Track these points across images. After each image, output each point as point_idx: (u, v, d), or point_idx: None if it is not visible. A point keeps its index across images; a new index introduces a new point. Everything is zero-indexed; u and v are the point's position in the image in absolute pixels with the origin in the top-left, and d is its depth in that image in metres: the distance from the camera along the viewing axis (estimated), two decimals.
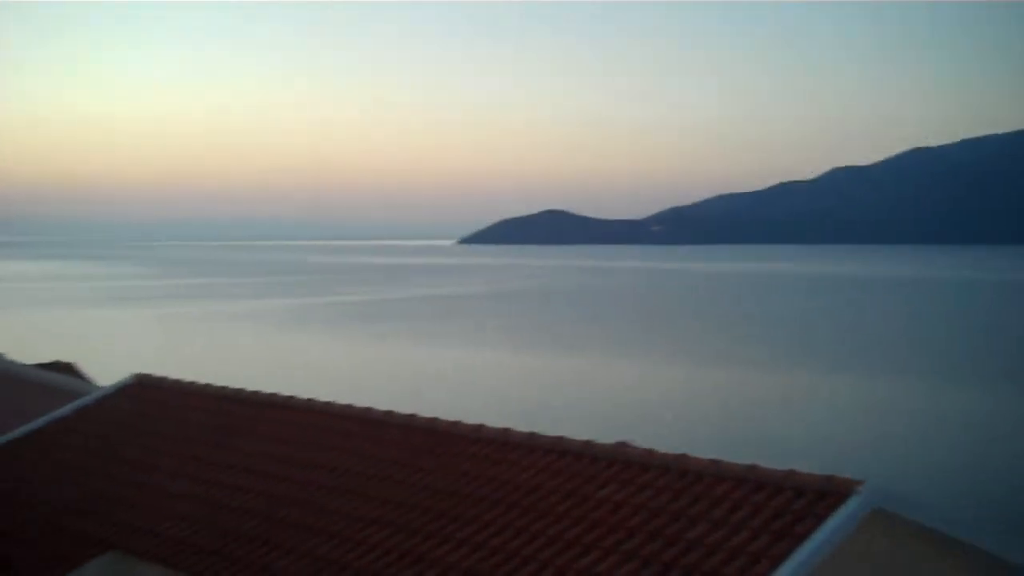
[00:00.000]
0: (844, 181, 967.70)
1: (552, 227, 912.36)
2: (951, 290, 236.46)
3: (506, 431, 15.00)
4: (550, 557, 11.86)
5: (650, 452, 13.44)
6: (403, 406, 17.89)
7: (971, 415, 73.50)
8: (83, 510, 16.17)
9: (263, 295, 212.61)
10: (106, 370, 37.03)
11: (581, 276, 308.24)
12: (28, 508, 16.79)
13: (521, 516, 12.83)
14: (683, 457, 13.09)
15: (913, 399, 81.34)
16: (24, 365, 27.92)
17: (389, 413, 16.76)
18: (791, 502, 11.70)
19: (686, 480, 12.64)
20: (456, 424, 15.66)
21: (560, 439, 14.36)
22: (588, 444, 14.00)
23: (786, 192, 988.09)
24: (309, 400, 18.19)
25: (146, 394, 20.55)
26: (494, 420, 16.31)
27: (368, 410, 17.07)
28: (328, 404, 17.79)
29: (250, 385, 20.06)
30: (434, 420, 16.00)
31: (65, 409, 20.61)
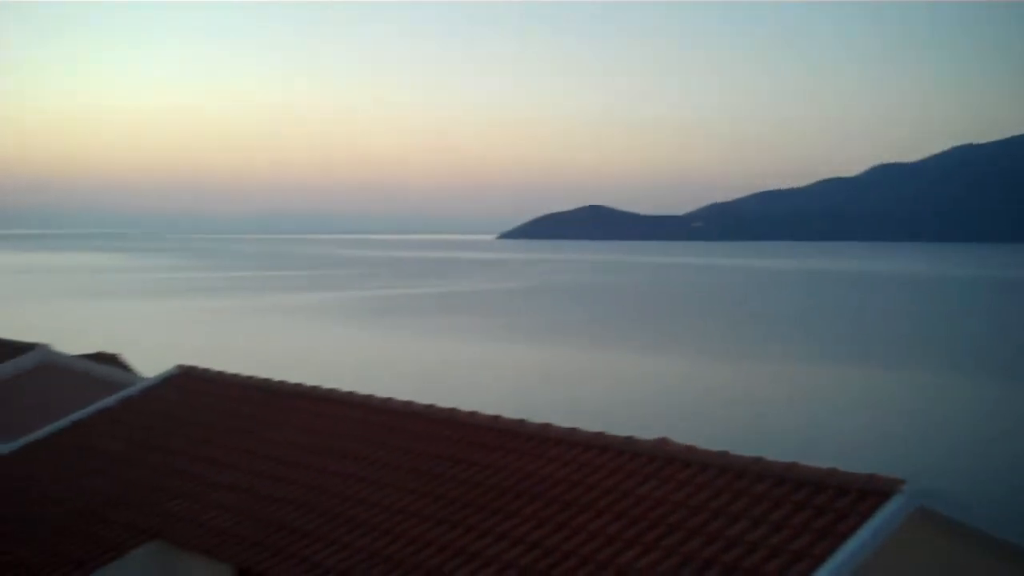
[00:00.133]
0: (888, 178, 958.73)
1: (592, 222, 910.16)
2: (997, 289, 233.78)
3: (546, 426, 15.01)
4: (590, 552, 11.86)
5: (690, 449, 13.41)
6: (442, 400, 17.98)
7: (1015, 415, 72.71)
8: (128, 500, 16.35)
9: (304, 289, 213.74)
10: (150, 361, 37.40)
11: (620, 272, 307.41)
12: (75, 497, 16.98)
13: (561, 511, 12.84)
14: (724, 454, 13.04)
15: (957, 398, 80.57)
16: (70, 356, 28.27)
17: (429, 407, 16.82)
18: (833, 500, 11.63)
19: (727, 477, 12.60)
20: (496, 419, 15.69)
21: (600, 435, 14.36)
22: (629, 440, 13.99)
23: (829, 189, 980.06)
24: (350, 393, 18.29)
25: (190, 385, 20.74)
26: (534, 415, 16.34)
27: (408, 404, 17.14)
28: (368, 397, 17.88)
29: (291, 378, 20.21)
30: (473, 414, 16.04)
31: (110, 400, 20.85)
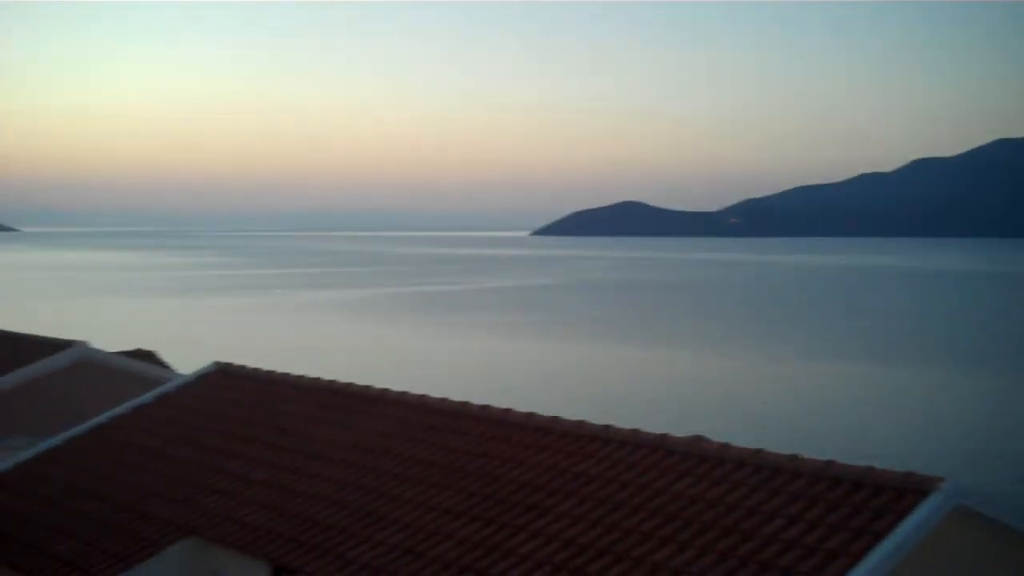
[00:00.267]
0: (926, 173, 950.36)
1: (627, 219, 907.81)
2: None
3: (580, 423, 14.99)
4: (625, 550, 11.84)
5: (726, 446, 13.34)
6: (477, 397, 18.00)
7: None
8: (164, 496, 16.47)
9: (339, 285, 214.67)
10: (187, 358, 37.67)
11: (655, 269, 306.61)
12: (113, 493, 17.14)
13: (596, 508, 12.82)
14: (758, 452, 12.97)
15: (997, 396, 79.78)
16: (107, 353, 28.51)
17: (464, 404, 16.83)
18: (870, 499, 11.54)
19: (762, 475, 12.53)
20: (531, 416, 15.68)
21: (635, 432, 14.32)
22: (663, 438, 13.94)
23: (866, 184, 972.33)
24: (384, 390, 18.33)
25: (226, 382, 20.85)
26: (568, 412, 16.33)
27: (443, 401, 17.16)
28: (403, 394, 17.91)
29: (326, 375, 20.28)
30: (508, 411, 16.03)
31: (147, 396, 21.01)
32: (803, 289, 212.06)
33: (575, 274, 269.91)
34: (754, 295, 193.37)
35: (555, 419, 15.35)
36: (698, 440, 13.73)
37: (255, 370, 21.10)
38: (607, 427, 14.67)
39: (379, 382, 19.25)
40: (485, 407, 16.46)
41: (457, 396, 17.56)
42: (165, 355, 34.20)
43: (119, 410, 20.58)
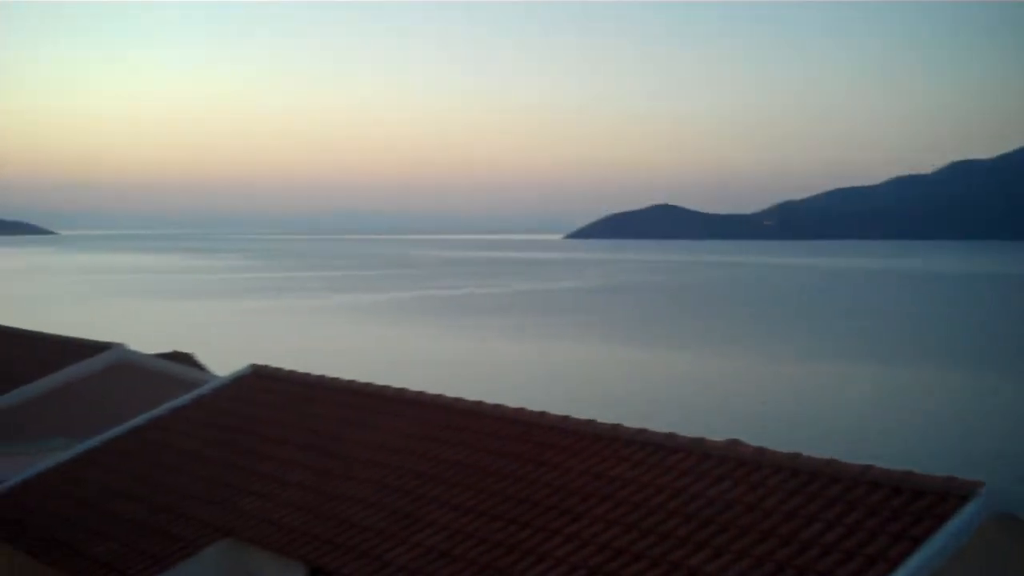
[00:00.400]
0: (965, 175, 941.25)
1: (661, 222, 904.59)
2: None
3: (615, 427, 14.94)
4: (661, 554, 11.78)
5: (762, 450, 13.26)
6: (510, 400, 17.98)
7: None
8: (201, 497, 16.56)
9: (375, 289, 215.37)
10: (223, 360, 37.88)
11: (689, 271, 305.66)
12: (151, 494, 17.25)
13: (630, 512, 12.77)
14: (796, 456, 12.88)
15: None
16: (145, 355, 28.73)
17: (498, 407, 16.83)
18: (909, 503, 11.43)
19: (799, 479, 12.43)
20: (565, 419, 15.65)
21: (670, 435, 14.26)
22: (699, 441, 13.87)
23: (904, 186, 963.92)
24: (419, 392, 18.35)
25: (262, 384, 20.96)
26: (603, 415, 16.28)
27: (478, 403, 17.15)
28: (438, 397, 17.93)
29: (360, 377, 20.33)
30: (542, 414, 16.00)
31: (184, 398, 21.15)
32: (836, 292, 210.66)
33: (607, 278, 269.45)
34: (786, 299, 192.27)
35: (590, 422, 15.31)
36: (734, 444, 13.64)
37: (290, 372, 21.20)
38: (642, 430, 14.62)
39: (414, 385, 19.27)
40: (519, 410, 16.44)
41: (491, 399, 17.55)
42: (201, 357, 34.41)
43: (156, 412, 20.73)
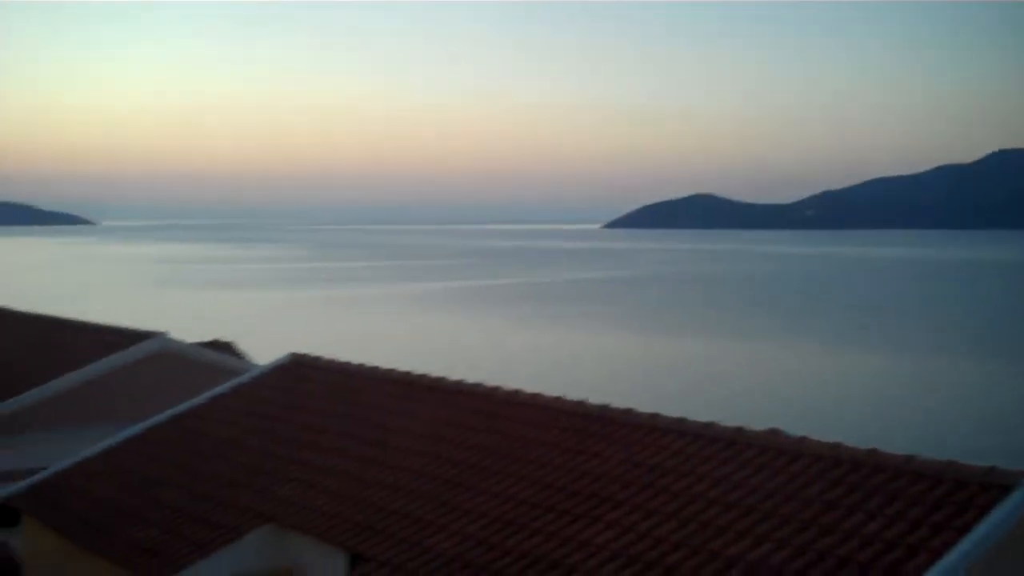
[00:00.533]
0: (1008, 164, 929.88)
1: (699, 211, 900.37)
2: None
3: (654, 416, 14.91)
4: (701, 543, 11.75)
5: (803, 440, 13.18)
6: (549, 389, 17.98)
7: None
8: (241, 484, 16.70)
9: (414, 278, 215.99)
10: (263, 349, 38.12)
11: (727, 261, 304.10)
12: (192, 481, 17.41)
13: (671, 501, 12.75)
14: (836, 446, 12.80)
15: None
16: (186, 344, 28.96)
17: (536, 395, 16.84)
18: (951, 494, 11.33)
19: (841, 469, 12.36)
20: (604, 407, 15.63)
21: (710, 424, 14.21)
22: (739, 430, 13.82)
23: (945, 175, 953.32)
24: (458, 381, 18.40)
25: (302, 373, 21.08)
26: (642, 404, 16.24)
27: (515, 392, 17.18)
28: (476, 385, 17.97)
29: (400, 366, 20.41)
30: (581, 403, 16.00)
31: (224, 386, 21.31)
32: (876, 283, 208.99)
33: (645, 267, 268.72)
34: (824, 289, 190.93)
35: (628, 411, 15.29)
36: (774, 433, 13.58)
37: (330, 361, 21.30)
38: (681, 419, 14.58)
39: (452, 373, 19.33)
40: (558, 398, 16.45)
41: (529, 387, 17.56)
42: (242, 346, 34.65)
43: (196, 400, 20.91)
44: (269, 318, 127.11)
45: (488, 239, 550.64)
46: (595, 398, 16.37)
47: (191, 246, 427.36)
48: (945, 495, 11.34)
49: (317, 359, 21.55)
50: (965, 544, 10.52)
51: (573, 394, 16.83)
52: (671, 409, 15.84)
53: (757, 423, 14.87)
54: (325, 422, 18.39)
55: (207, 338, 34.51)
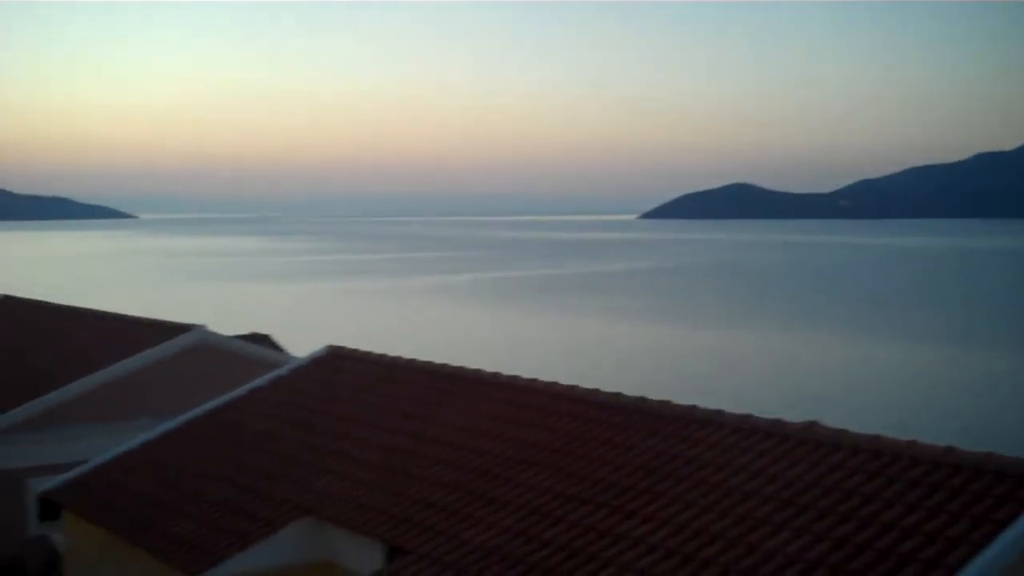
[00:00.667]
0: None
1: (737, 201, 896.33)
2: None
3: (692, 408, 14.86)
4: (739, 535, 11.71)
5: (842, 432, 13.10)
6: (586, 381, 17.95)
7: None
8: (280, 477, 16.79)
9: (449, 270, 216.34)
10: (300, 342, 38.32)
11: (764, 251, 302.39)
12: (231, 474, 17.53)
13: (708, 493, 12.71)
14: (875, 438, 12.71)
15: None
16: (225, 336, 29.17)
17: (573, 388, 16.81)
18: (991, 486, 11.22)
19: (880, 461, 12.27)
20: (642, 400, 15.59)
21: (747, 417, 14.14)
22: (776, 423, 13.75)
23: (984, 164, 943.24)
24: (495, 373, 18.40)
25: (339, 365, 21.16)
26: (679, 397, 16.20)
27: (552, 384, 17.16)
28: (514, 378, 17.95)
29: (437, 358, 20.44)
30: (618, 395, 15.96)
31: (263, 379, 21.43)
32: (912, 273, 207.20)
33: (681, 257, 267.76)
34: (862, 279, 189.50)
35: (666, 403, 15.25)
36: (812, 425, 13.50)
37: (367, 353, 21.37)
38: (719, 412, 14.52)
39: (489, 365, 19.35)
40: (594, 390, 16.43)
41: (566, 379, 17.55)
42: (279, 338, 34.86)
43: (235, 393, 21.04)
44: (307, 310, 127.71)
45: (521, 231, 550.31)
46: (631, 391, 16.33)
47: (230, 239, 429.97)
48: (985, 488, 11.23)
49: (354, 351, 21.63)
50: (1006, 537, 10.41)
51: (608, 386, 16.81)
52: (709, 402, 15.79)
53: (795, 415, 14.80)
54: (362, 414, 18.46)
55: (245, 331, 34.76)
